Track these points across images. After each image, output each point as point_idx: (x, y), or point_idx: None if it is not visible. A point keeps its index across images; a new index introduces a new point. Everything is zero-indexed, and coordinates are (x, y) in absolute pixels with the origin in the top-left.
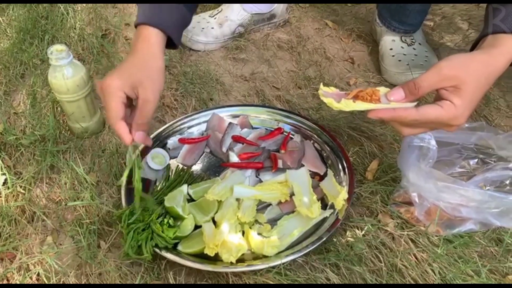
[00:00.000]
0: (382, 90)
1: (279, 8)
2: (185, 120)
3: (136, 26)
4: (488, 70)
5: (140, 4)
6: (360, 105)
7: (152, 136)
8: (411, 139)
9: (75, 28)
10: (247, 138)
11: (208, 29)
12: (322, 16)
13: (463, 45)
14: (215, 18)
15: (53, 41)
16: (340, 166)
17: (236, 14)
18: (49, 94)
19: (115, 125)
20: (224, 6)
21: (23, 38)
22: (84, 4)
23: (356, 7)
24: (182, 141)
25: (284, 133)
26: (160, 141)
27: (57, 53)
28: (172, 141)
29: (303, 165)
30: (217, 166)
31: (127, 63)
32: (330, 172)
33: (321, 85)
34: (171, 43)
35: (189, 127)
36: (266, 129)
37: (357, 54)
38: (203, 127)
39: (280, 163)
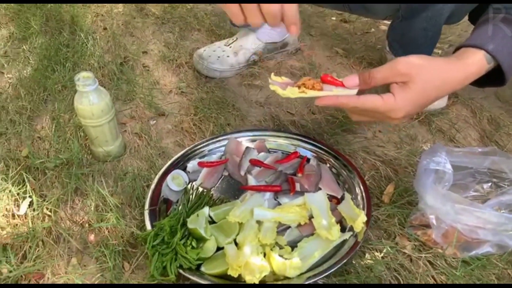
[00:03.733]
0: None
1: (291, 37)
2: (204, 144)
3: None
4: (443, 77)
5: None
6: (304, 93)
7: (172, 160)
8: (427, 163)
9: (95, 56)
10: (265, 162)
11: (224, 57)
12: (332, 45)
13: None
14: (230, 47)
15: (74, 68)
16: (357, 190)
17: (251, 43)
18: (71, 119)
19: None
20: (239, 35)
21: (46, 65)
22: (103, 33)
23: (366, 35)
24: (202, 164)
25: (300, 157)
26: (180, 164)
27: (84, 79)
28: (191, 165)
29: (320, 189)
30: (236, 189)
31: None
32: (347, 196)
33: (272, 75)
34: None
35: (208, 151)
36: (282, 153)
37: None
38: (221, 151)
39: (298, 187)
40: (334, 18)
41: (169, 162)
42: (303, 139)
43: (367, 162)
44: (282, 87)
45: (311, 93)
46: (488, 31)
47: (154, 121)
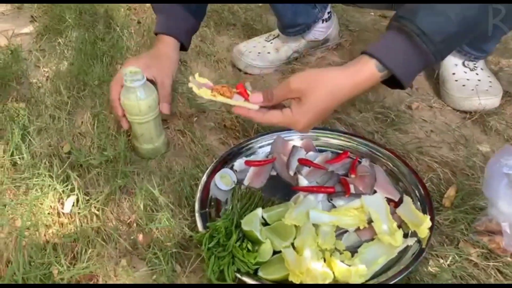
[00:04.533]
0: (248, 86)
1: (332, 32)
2: (250, 142)
3: (156, 34)
4: (331, 86)
5: (158, 15)
6: (214, 96)
7: (218, 158)
8: (498, 166)
9: (131, 50)
10: (314, 162)
11: (265, 53)
12: (373, 40)
13: None
14: (271, 43)
15: (111, 62)
16: (416, 193)
17: (293, 41)
18: (112, 115)
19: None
20: (282, 34)
21: (83, 59)
22: (137, 26)
23: None
24: (249, 163)
25: (351, 157)
26: (227, 163)
27: (132, 74)
28: (238, 163)
29: (375, 191)
30: (286, 189)
31: (143, 54)
32: (407, 199)
33: (197, 75)
34: (182, 47)
35: (254, 150)
36: (331, 152)
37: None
38: (267, 149)
39: (352, 188)
40: (372, 14)
41: (216, 161)
42: (353, 138)
43: (422, 164)
44: (199, 86)
45: (219, 99)
46: (384, 40)
47: (196, 118)
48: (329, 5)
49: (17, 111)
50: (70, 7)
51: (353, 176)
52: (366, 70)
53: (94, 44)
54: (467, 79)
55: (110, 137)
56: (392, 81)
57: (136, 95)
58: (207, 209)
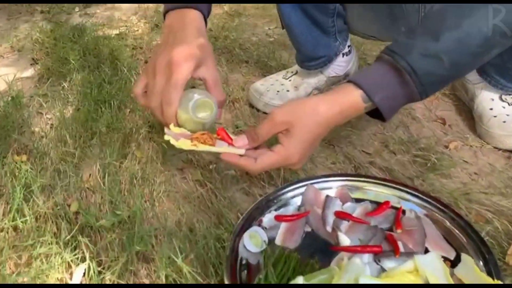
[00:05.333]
0: (234, 138)
1: (353, 67)
2: (278, 193)
3: (165, 14)
4: (317, 114)
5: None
6: (195, 146)
7: (244, 214)
8: None
9: None
10: (354, 215)
11: (283, 92)
12: None
13: None
14: (289, 81)
15: (120, 107)
16: (473, 249)
17: (313, 78)
18: (123, 163)
19: (172, 114)
20: (299, 69)
21: (90, 104)
22: (145, 67)
23: None
24: (280, 218)
25: (393, 207)
26: (255, 219)
27: (201, 108)
28: (267, 219)
29: (426, 249)
30: (324, 248)
31: (186, 42)
32: (466, 258)
33: (171, 125)
34: None
35: (283, 201)
36: (370, 202)
37: (445, 114)
38: (298, 200)
39: (401, 246)
40: None
41: (242, 217)
42: (392, 184)
43: (472, 213)
44: (176, 138)
45: (201, 147)
46: (372, 71)
47: (214, 165)
48: (349, 38)
49: (19, 166)
50: (73, 48)
51: (399, 231)
52: (351, 99)
53: (100, 87)
54: (507, 115)
55: (122, 193)
56: (373, 112)
57: (203, 125)
58: (237, 278)
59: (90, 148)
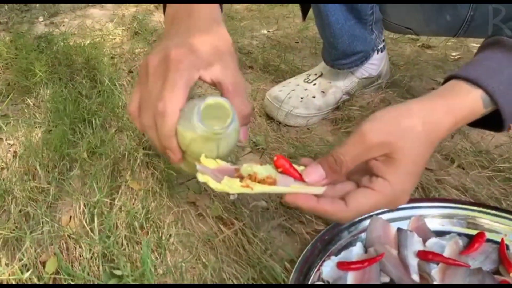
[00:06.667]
0: (300, 168)
1: (384, 67)
2: (335, 231)
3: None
4: (423, 132)
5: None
6: (249, 188)
7: (296, 267)
8: None
9: (126, 107)
10: (444, 254)
11: (309, 98)
12: (427, 74)
13: None
14: (314, 84)
15: (103, 125)
16: None
17: (343, 80)
18: (115, 200)
19: (170, 131)
20: (324, 70)
21: (64, 124)
22: (129, 77)
23: (460, 61)
24: (344, 266)
25: (492, 240)
26: (310, 269)
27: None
28: (328, 268)
29: None
30: None
31: (193, 36)
32: None
33: (202, 156)
34: None
35: (345, 241)
36: (458, 235)
37: None
38: (362, 238)
39: None
40: (411, 45)
41: (295, 270)
42: (478, 208)
43: None
44: (215, 177)
45: (259, 189)
46: (492, 61)
47: (235, 195)
48: (383, 33)
49: None
50: (39, 58)
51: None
52: (468, 104)
53: (76, 102)
54: None
55: (120, 241)
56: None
57: (217, 146)
58: None
59: (69, 181)
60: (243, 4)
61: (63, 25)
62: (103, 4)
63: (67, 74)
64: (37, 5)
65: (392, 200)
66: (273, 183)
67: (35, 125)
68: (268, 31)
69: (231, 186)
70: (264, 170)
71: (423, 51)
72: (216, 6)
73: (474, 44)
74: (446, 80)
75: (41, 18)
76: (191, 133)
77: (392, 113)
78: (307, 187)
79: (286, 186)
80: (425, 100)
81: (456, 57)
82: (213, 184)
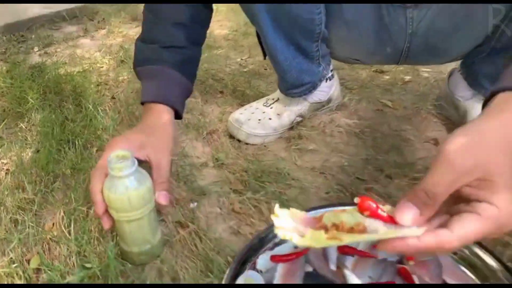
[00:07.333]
0: (386, 208)
1: (335, 92)
2: (271, 230)
3: (142, 103)
4: (509, 141)
5: (144, 81)
6: (337, 239)
7: (235, 258)
8: None
9: (108, 130)
10: (358, 248)
11: (266, 120)
12: (377, 97)
13: None
14: (271, 108)
15: (85, 146)
16: (502, 277)
17: (296, 105)
18: (91, 209)
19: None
20: (280, 96)
21: (51, 145)
22: (112, 103)
23: (408, 84)
24: (276, 259)
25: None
26: (247, 261)
27: (119, 160)
28: (262, 260)
29: (444, 281)
30: None
31: (133, 130)
32: None
33: (276, 207)
34: (176, 116)
35: (278, 240)
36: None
37: (436, 134)
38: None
39: (416, 280)
40: (367, 70)
41: (234, 261)
42: None
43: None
44: (296, 229)
45: (348, 240)
46: None
47: (195, 204)
48: (332, 63)
49: None
50: (32, 87)
51: (411, 262)
52: None
53: (63, 126)
54: None
55: (92, 242)
56: None
57: (126, 186)
58: None
59: (53, 193)
60: (221, 33)
61: (56, 55)
62: (94, 35)
63: (56, 101)
64: (33, 35)
65: (501, 224)
66: (363, 230)
67: (26, 146)
68: (241, 59)
69: (318, 240)
70: (350, 216)
71: (376, 75)
72: (168, 114)
73: (424, 69)
74: (492, 95)
75: (36, 49)
76: (106, 191)
77: (470, 133)
78: (403, 229)
79: (381, 232)
80: (492, 116)
81: (406, 80)
82: (298, 240)
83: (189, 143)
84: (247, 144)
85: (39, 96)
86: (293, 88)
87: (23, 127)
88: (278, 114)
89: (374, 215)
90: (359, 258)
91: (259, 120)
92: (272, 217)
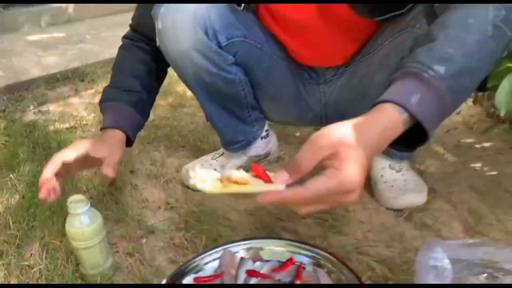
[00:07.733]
0: (272, 175)
1: (272, 147)
2: (198, 259)
3: (101, 129)
4: (361, 135)
5: (105, 113)
6: (226, 188)
7: (166, 278)
8: (425, 259)
9: (82, 180)
10: (261, 272)
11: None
12: None
13: (441, 168)
14: (217, 161)
15: (63, 193)
16: None
17: (237, 158)
18: (62, 244)
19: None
20: (225, 151)
21: (34, 192)
22: None
23: None
24: (198, 280)
25: (296, 263)
26: (175, 282)
27: (76, 202)
28: (187, 282)
29: None
30: None
31: (95, 138)
32: None
33: (197, 167)
34: (128, 143)
35: (202, 266)
36: (278, 261)
37: None
38: (216, 264)
39: None
40: (308, 128)
41: (164, 281)
42: (297, 244)
43: (362, 263)
44: (203, 181)
45: (234, 189)
46: (391, 87)
47: (145, 239)
48: (266, 124)
49: None
50: (23, 143)
51: (298, 282)
52: (386, 115)
53: None
54: (394, 180)
55: (58, 267)
56: (413, 137)
57: (81, 221)
58: None
59: (33, 230)
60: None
61: (48, 113)
62: (82, 94)
63: (43, 155)
64: (30, 95)
65: (342, 183)
66: (245, 183)
67: (16, 193)
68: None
69: (215, 187)
70: (239, 174)
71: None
72: (120, 136)
73: None
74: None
75: (31, 107)
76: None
77: (334, 124)
78: (272, 186)
79: (256, 186)
80: (357, 118)
81: None
82: (200, 185)
83: (148, 189)
84: (195, 191)
85: (29, 151)
86: (231, 144)
87: (13, 177)
88: (222, 166)
89: (258, 175)
90: (261, 279)
91: None
92: (190, 172)
